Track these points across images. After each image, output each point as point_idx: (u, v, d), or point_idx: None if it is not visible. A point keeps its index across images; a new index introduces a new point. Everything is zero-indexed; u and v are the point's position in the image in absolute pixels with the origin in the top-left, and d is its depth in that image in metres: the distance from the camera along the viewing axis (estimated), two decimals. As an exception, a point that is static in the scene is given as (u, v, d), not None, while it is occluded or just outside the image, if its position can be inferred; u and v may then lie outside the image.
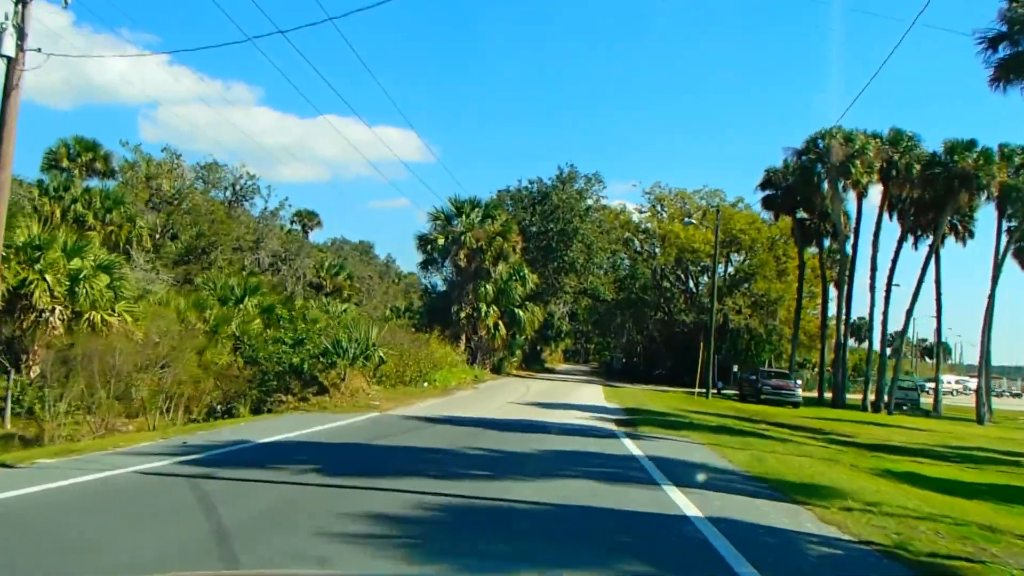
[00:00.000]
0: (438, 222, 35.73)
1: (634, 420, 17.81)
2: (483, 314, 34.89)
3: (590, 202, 41.54)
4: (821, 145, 39.58)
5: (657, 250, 52.27)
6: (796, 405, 35.48)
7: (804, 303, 55.28)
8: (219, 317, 24.80)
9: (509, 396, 23.88)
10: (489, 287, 35.32)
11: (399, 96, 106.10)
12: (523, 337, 47.38)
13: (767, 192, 44.99)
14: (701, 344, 58.79)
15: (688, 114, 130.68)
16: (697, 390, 37.37)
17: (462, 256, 34.56)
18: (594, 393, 30.62)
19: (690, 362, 58.22)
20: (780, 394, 35.86)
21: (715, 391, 43.58)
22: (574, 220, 39.15)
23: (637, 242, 51.38)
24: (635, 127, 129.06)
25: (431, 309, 37.61)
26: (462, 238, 34.46)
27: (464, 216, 35.14)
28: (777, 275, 53.09)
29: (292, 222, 76.15)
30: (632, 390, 36.17)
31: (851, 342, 70.23)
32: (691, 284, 56.19)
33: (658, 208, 54.39)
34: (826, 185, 40.52)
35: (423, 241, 35.81)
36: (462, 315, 34.92)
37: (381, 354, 18.99)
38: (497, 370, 40.42)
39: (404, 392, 20.25)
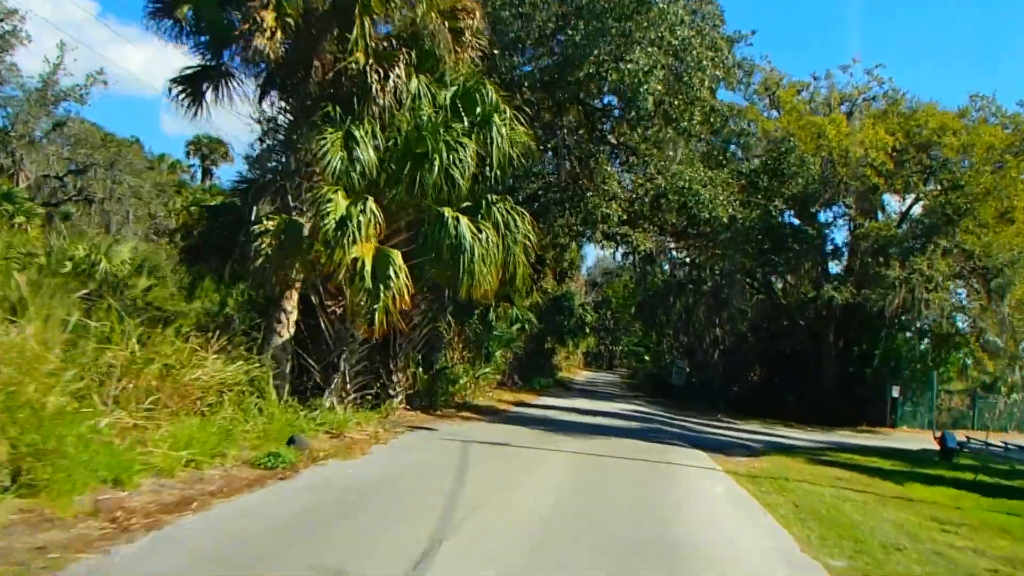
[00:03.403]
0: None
1: None
2: (332, 223, 10.23)
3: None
4: None
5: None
6: None
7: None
8: None
9: None
10: (360, 134, 10.67)
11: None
12: (509, 326, 22.88)
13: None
14: (832, 344, 33.91)
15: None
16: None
17: (264, 42, 9.99)
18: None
19: (797, 376, 33.34)
20: None
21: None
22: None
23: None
24: None
25: (211, 227, 12.85)
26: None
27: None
28: (997, 218, 27.93)
29: (187, 153, 52.35)
30: (838, 505, 10.88)
31: None
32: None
33: (759, 104, 28.97)
34: None
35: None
36: (262, 229, 10.37)
37: None
38: (428, 402, 15.85)
39: None
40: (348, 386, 12.23)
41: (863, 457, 17.36)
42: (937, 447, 19.05)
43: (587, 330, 48.10)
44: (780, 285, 33.67)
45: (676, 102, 13.84)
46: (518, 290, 17.77)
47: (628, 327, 61.56)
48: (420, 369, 15.71)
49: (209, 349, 9.96)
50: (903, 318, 29.07)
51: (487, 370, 21.20)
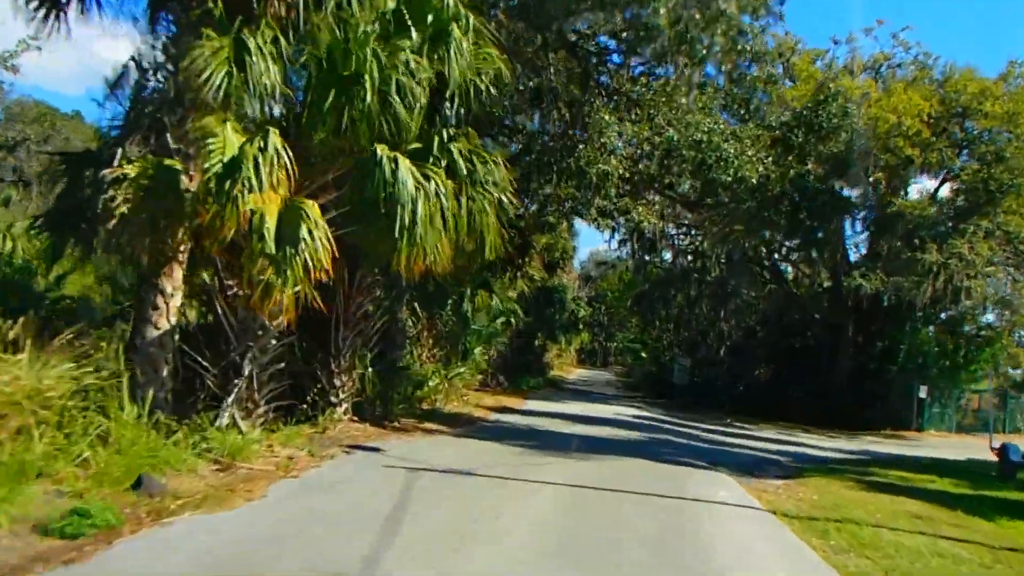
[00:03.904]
0: None
1: None
2: (218, 165, 6.99)
3: None
4: None
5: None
6: None
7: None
8: None
9: None
10: (256, 44, 7.47)
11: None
12: (492, 319, 19.89)
13: None
14: (851, 339, 30.61)
15: None
16: None
17: None
18: None
19: (810, 373, 30.19)
20: None
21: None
22: None
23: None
24: None
25: (73, 184, 9.61)
26: None
27: None
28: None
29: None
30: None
31: None
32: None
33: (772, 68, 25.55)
34: None
35: None
36: (116, 175, 7.20)
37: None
38: (383, 410, 12.69)
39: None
40: (256, 395, 9.03)
41: (914, 474, 14.31)
42: (995, 459, 15.98)
43: (580, 326, 45.01)
44: (792, 275, 30.61)
45: (697, 16, 10.62)
46: (491, 267, 14.58)
47: (624, 322, 58.46)
48: (371, 370, 12.53)
49: (25, 346, 6.79)
50: (929, 309, 26.10)
51: (462, 370, 18.02)
